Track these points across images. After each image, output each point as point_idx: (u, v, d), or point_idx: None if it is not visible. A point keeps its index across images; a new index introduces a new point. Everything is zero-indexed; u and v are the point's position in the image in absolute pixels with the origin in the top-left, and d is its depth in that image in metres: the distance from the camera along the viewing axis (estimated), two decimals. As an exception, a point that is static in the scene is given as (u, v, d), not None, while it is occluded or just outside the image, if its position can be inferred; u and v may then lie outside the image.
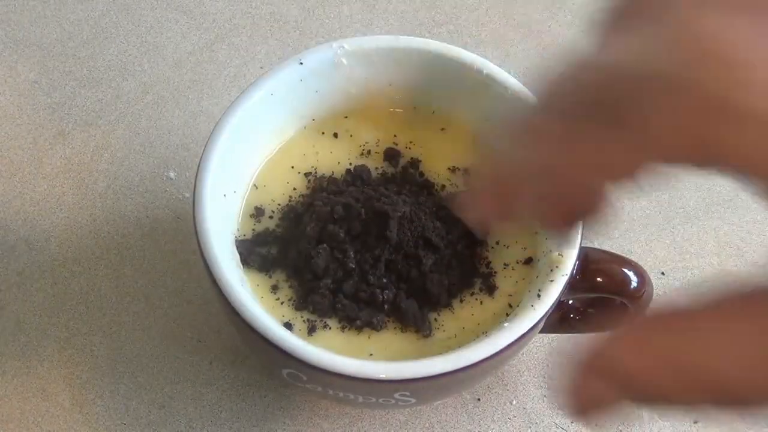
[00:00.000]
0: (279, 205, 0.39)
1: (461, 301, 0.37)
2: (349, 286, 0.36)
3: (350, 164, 0.41)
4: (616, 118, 0.18)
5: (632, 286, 0.36)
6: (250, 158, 0.40)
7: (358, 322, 0.36)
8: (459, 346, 0.34)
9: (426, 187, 0.40)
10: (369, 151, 0.41)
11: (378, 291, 0.36)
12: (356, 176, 0.40)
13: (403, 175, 0.40)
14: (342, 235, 0.37)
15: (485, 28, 0.55)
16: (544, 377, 0.43)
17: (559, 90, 0.20)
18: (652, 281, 0.37)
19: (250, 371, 0.42)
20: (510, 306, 0.37)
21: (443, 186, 0.40)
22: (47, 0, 0.55)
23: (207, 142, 0.37)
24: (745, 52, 0.16)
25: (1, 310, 0.44)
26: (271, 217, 0.39)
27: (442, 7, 0.56)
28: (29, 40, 0.53)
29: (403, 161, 0.41)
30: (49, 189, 0.48)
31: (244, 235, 0.38)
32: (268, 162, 0.40)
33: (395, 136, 0.42)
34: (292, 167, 0.40)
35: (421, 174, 0.41)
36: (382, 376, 0.32)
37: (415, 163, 0.41)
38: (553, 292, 0.34)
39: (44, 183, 0.48)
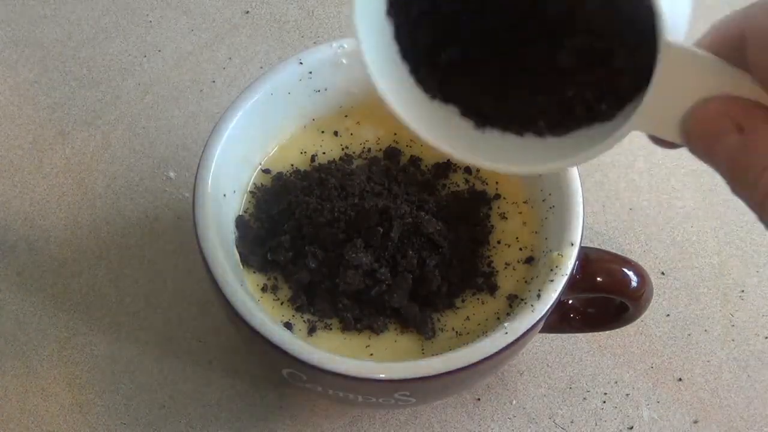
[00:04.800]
0: (279, 205, 0.39)
1: (463, 300, 0.37)
2: (350, 286, 0.36)
3: (351, 163, 0.41)
4: None
5: (632, 286, 0.36)
6: (249, 158, 0.40)
7: (358, 325, 0.36)
8: (459, 346, 0.34)
9: (427, 185, 0.40)
10: (369, 150, 0.41)
11: (379, 292, 0.36)
12: (357, 175, 0.40)
13: (404, 174, 0.40)
14: (342, 235, 0.36)
15: (485, 28, 0.55)
16: (544, 377, 0.43)
17: None
18: (652, 281, 0.37)
19: (250, 371, 0.42)
20: (510, 306, 0.37)
21: (444, 184, 0.40)
22: (47, 0, 0.55)
23: (207, 142, 0.37)
24: None
25: (1, 310, 0.44)
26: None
27: (442, 7, 0.56)
28: (29, 40, 0.53)
29: (403, 160, 0.41)
30: (49, 189, 0.48)
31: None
32: (268, 161, 0.40)
33: (395, 134, 0.42)
34: (292, 165, 0.40)
35: (423, 172, 0.41)
36: (382, 376, 0.32)
37: (415, 161, 0.41)
38: (552, 292, 0.34)
39: (44, 183, 0.48)
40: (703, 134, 0.23)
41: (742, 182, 0.23)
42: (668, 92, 0.24)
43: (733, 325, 0.45)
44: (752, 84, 0.23)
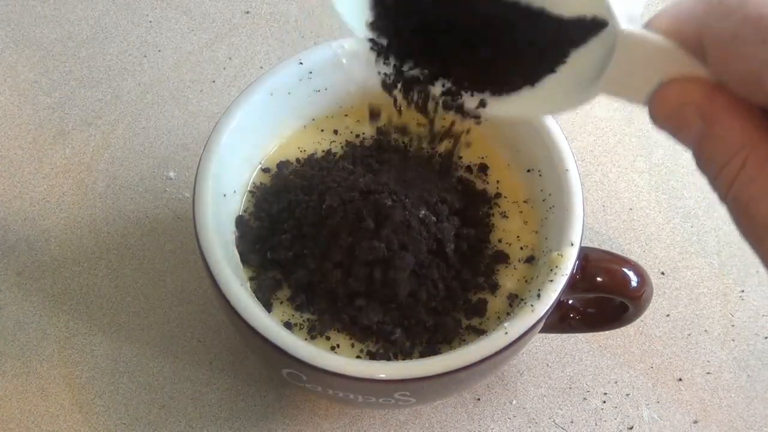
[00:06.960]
0: (279, 204, 0.39)
1: (464, 301, 0.37)
2: (350, 287, 0.36)
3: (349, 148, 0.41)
4: None
5: (632, 286, 0.36)
6: (249, 158, 0.40)
7: (358, 325, 0.36)
8: (459, 346, 0.34)
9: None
10: (370, 147, 0.41)
11: (379, 291, 0.36)
12: (357, 173, 0.40)
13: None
14: (343, 236, 0.36)
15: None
16: (544, 377, 0.43)
17: None
18: (652, 281, 0.37)
19: (250, 371, 0.42)
20: (510, 305, 0.37)
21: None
22: (47, 0, 0.55)
23: (207, 142, 0.37)
24: None
25: (1, 310, 0.44)
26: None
27: (442, 7, 0.56)
28: (29, 40, 0.53)
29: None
30: (49, 189, 0.48)
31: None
32: (268, 161, 0.40)
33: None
34: (292, 164, 0.40)
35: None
36: (382, 376, 0.32)
37: (415, 161, 0.41)
38: (552, 292, 0.34)
39: (44, 183, 0.48)
40: (668, 119, 0.24)
41: (706, 169, 0.23)
42: (630, 68, 0.24)
43: (733, 325, 0.45)
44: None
